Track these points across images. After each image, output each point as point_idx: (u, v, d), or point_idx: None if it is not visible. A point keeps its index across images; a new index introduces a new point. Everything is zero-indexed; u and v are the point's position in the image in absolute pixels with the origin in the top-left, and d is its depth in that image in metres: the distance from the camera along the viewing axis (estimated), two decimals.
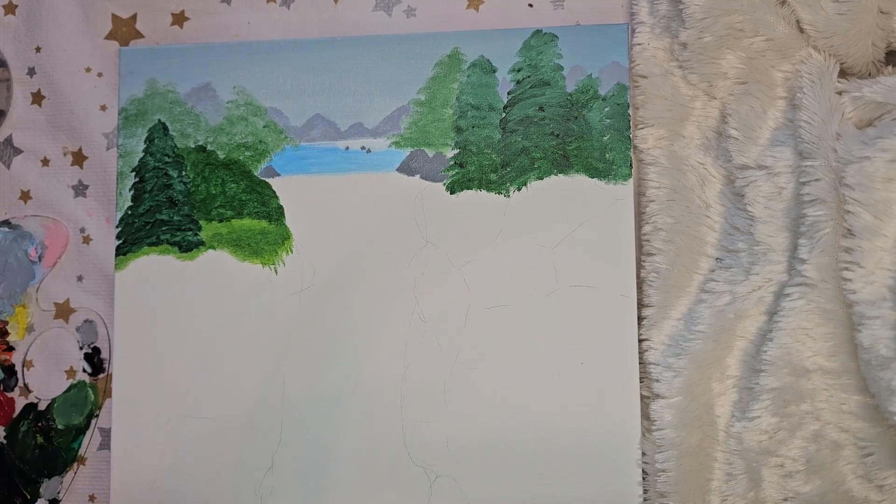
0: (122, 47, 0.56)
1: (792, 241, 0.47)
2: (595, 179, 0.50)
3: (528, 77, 0.51)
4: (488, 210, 0.51)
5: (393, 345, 0.51)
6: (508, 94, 0.52)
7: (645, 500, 0.48)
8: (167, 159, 0.54)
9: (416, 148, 0.52)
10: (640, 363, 0.49)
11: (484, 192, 0.51)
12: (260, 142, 0.53)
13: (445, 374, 0.50)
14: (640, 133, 0.51)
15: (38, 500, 0.54)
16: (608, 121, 0.51)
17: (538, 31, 0.52)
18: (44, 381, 0.55)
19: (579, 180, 0.51)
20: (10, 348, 0.56)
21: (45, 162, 0.57)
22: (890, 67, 0.49)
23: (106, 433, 0.54)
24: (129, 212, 0.54)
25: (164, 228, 0.53)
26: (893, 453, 0.45)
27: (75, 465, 0.54)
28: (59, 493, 0.54)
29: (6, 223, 0.56)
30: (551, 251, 0.50)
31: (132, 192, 0.54)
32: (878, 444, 0.45)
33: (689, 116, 0.50)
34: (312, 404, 0.51)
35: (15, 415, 0.55)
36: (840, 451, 0.46)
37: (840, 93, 0.47)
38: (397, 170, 0.52)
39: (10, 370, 0.55)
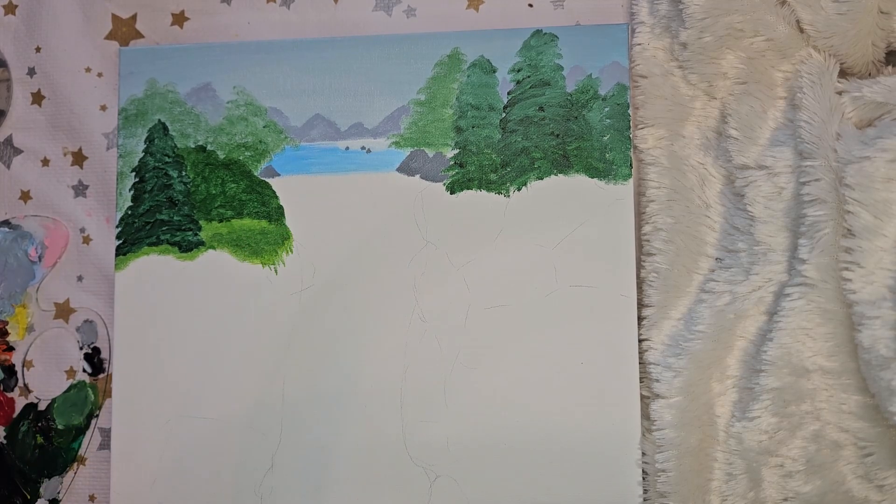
0: (122, 47, 0.56)
1: (792, 241, 0.47)
2: (595, 179, 0.50)
3: (528, 77, 0.51)
4: (488, 210, 0.51)
5: (393, 345, 0.51)
6: (508, 94, 0.52)
7: (645, 500, 0.48)
8: (167, 159, 0.54)
9: (416, 148, 0.52)
10: (640, 363, 0.49)
11: (484, 192, 0.51)
12: (260, 142, 0.53)
13: (445, 374, 0.50)
14: (640, 133, 0.51)
15: (38, 500, 0.54)
16: (608, 121, 0.51)
17: (538, 31, 0.52)
18: (44, 381, 0.55)
19: (579, 180, 0.51)
20: (10, 348, 0.56)
21: (45, 162, 0.57)
22: (890, 67, 0.49)
23: (106, 433, 0.54)
24: (129, 212, 0.54)
25: (164, 228, 0.53)
26: (893, 453, 0.45)
27: (75, 465, 0.54)
28: (59, 493, 0.54)
29: (6, 223, 0.56)
30: (551, 251, 0.50)
31: (132, 192, 0.54)
32: (878, 444, 0.45)
33: (689, 116, 0.50)
34: (312, 404, 0.51)
35: (15, 415, 0.55)
36: (840, 451, 0.46)
37: (840, 93, 0.47)
38: (397, 170, 0.52)
39: (10, 370, 0.55)
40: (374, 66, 0.53)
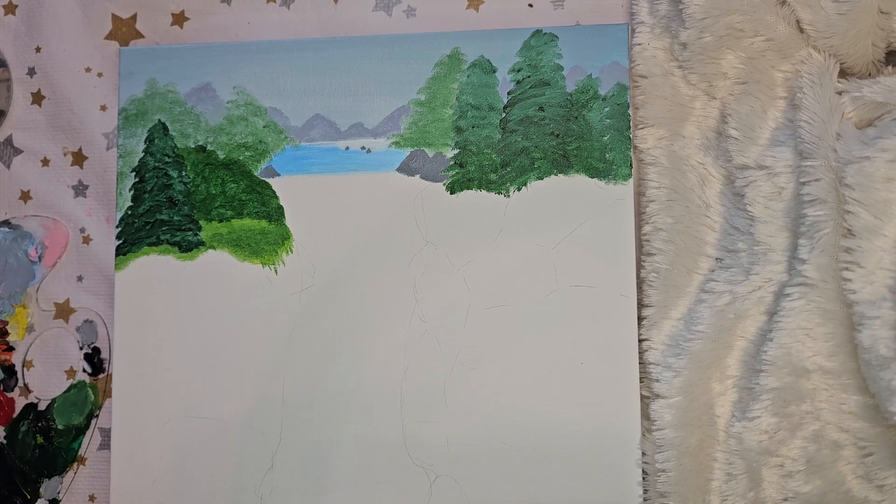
0: (122, 47, 0.56)
1: (792, 241, 0.47)
2: (595, 179, 0.50)
3: (528, 77, 0.51)
4: (488, 210, 0.51)
5: (393, 345, 0.51)
6: (508, 94, 0.52)
7: (645, 500, 0.48)
8: (167, 159, 0.54)
9: (416, 148, 0.52)
10: (640, 363, 0.49)
11: (484, 192, 0.51)
12: (260, 142, 0.53)
13: (445, 374, 0.50)
14: (640, 133, 0.51)
15: (38, 500, 0.54)
16: (608, 121, 0.51)
17: (538, 31, 0.52)
18: (44, 381, 0.55)
19: (579, 180, 0.51)
20: (10, 348, 0.56)
21: (45, 162, 0.57)
22: (890, 67, 0.49)
23: (106, 433, 0.54)
24: (129, 212, 0.54)
25: (164, 228, 0.53)
26: (893, 453, 0.45)
27: (75, 465, 0.54)
28: (59, 493, 0.54)
29: (6, 223, 0.56)
30: (551, 251, 0.50)
31: (132, 192, 0.54)
32: (878, 444, 0.45)
33: (689, 116, 0.50)
34: (312, 404, 0.51)
35: (15, 415, 0.55)
36: (840, 451, 0.46)
37: (840, 93, 0.47)
38: (397, 170, 0.52)
39: (10, 370, 0.55)
40: (374, 66, 0.53)
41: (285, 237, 0.52)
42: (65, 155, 0.57)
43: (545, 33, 0.51)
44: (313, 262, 0.52)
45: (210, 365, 0.52)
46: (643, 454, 0.48)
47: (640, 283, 0.50)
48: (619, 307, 0.49)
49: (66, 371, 0.55)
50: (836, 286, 0.45)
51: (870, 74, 0.49)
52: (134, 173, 0.54)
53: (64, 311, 0.56)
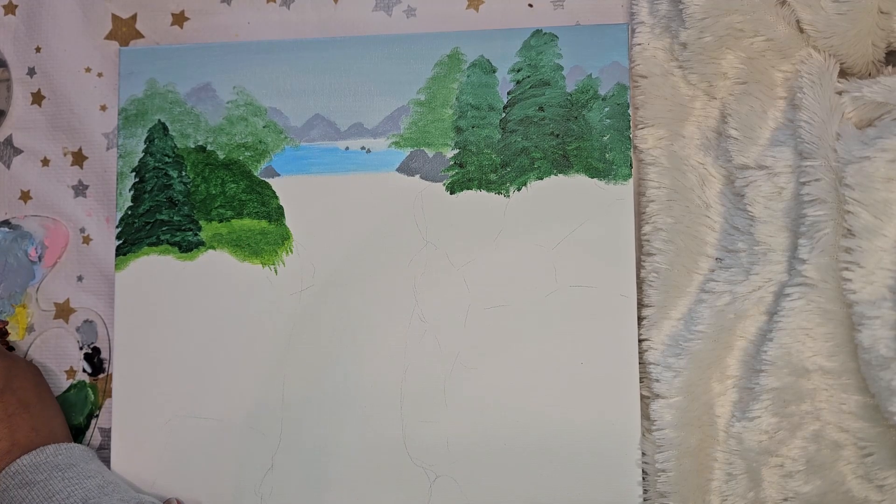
0: (122, 47, 0.56)
1: (792, 241, 0.47)
2: (595, 179, 0.50)
3: (528, 77, 0.51)
4: (488, 210, 0.51)
5: (393, 345, 0.51)
6: (508, 94, 0.52)
7: (645, 500, 0.48)
8: (167, 159, 0.54)
9: (416, 148, 0.52)
10: (640, 363, 0.49)
11: (484, 192, 0.51)
12: (260, 142, 0.53)
13: (445, 374, 0.50)
14: (640, 133, 0.51)
15: None
16: (608, 121, 0.51)
17: (538, 31, 0.52)
18: None
19: (579, 180, 0.51)
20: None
21: (45, 162, 0.57)
22: (890, 67, 0.49)
23: (106, 433, 0.54)
24: (129, 212, 0.54)
25: (164, 228, 0.53)
26: (893, 453, 0.45)
27: None
28: None
29: (6, 223, 0.56)
30: (551, 251, 0.50)
31: (132, 192, 0.54)
32: (878, 444, 0.45)
33: (689, 116, 0.50)
34: (312, 404, 0.51)
35: None
36: (840, 451, 0.46)
37: (840, 93, 0.47)
38: (397, 170, 0.52)
39: None
40: (374, 66, 0.53)
41: (285, 237, 0.52)
42: (65, 155, 0.57)
43: (545, 33, 0.51)
44: (313, 262, 0.52)
45: (210, 365, 0.52)
46: (643, 454, 0.48)
47: (640, 283, 0.50)
48: (619, 307, 0.49)
49: (66, 371, 0.55)
50: (836, 286, 0.45)
51: (870, 74, 0.49)
52: (134, 173, 0.54)
53: (64, 311, 0.56)
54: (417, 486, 0.50)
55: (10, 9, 0.58)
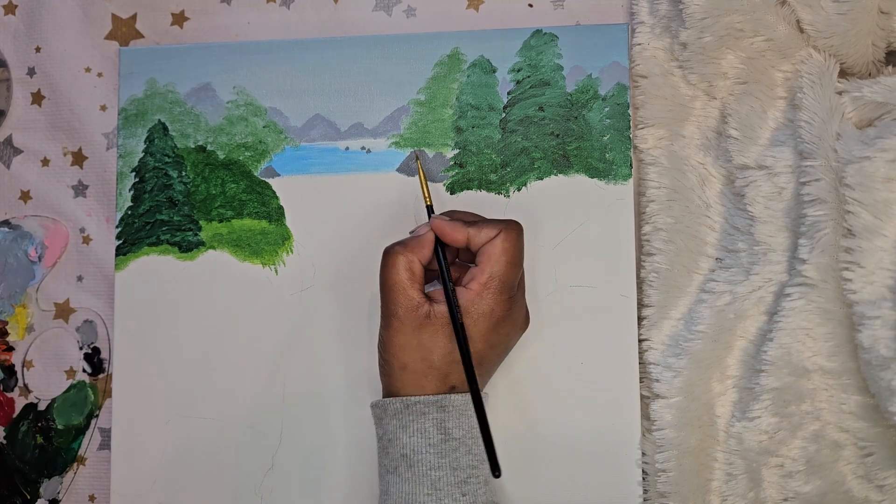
0: (122, 47, 0.56)
1: (792, 241, 0.47)
2: (595, 179, 0.50)
3: (528, 77, 0.51)
4: (488, 210, 0.51)
5: None
6: (508, 94, 0.52)
7: (645, 500, 0.48)
8: (167, 159, 0.54)
9: (416, 148, 0.52)
10: (640, 363, 0.49)
11: (484, 192, 0.51)
12: (260, 142, 0.53)
13: None
14: (640, 133, 0.51)
15: (38, 500, 0.54)
16: (608, 121, 0.51)
17: (538, 31, 0.52)
18: (44, 381, 0.55)
19: (579, 180, 0.51)
20: (10, 348, 0.55)
21: (45, 162, 0.57)
22: (890, 67, 0.49)
23: (106, 433, 0.54)
24: (129, 212, 0.54)
25: (164, 228, 0.53)
26: (893, 453, 0.45)
27: (75, 465, 0.54)
28: (59, 493, 0.54)
29: (6, 223, 0.56)
30: (551, 251, 0.50)
31: (132, 192, 0.54)
32: (878, 444, 0.45)
33: (689, 116, 0.50)
34: (312, 404, 0.51)
35: (15, 415, 0.55)
36: (840, 451, 0.46)
37: (840, 93, 0.47)
38: (397, 170, 0.52)
39: (10, 370, 0.55)
40: (374, 66, 0.53)
41: (285, 237, 0.52)
42: (65, 155, 0.57)
43: (545, 33, 0.51)
44: (313, 262, 0.52)
45: (210, 365, 0.52)
46: (643, 454, 0.48)
47: (640, 283, 0.50)
48: (619, 307, 0.49)
49: (65, 371, 0.55)
50: (836, 286, 0.45)
51: (870, 74, 0.49)
52: (134, 173, 0.54)
53: (64, 311, 0.56)
54: None
55: (10, 9, 0.58)
